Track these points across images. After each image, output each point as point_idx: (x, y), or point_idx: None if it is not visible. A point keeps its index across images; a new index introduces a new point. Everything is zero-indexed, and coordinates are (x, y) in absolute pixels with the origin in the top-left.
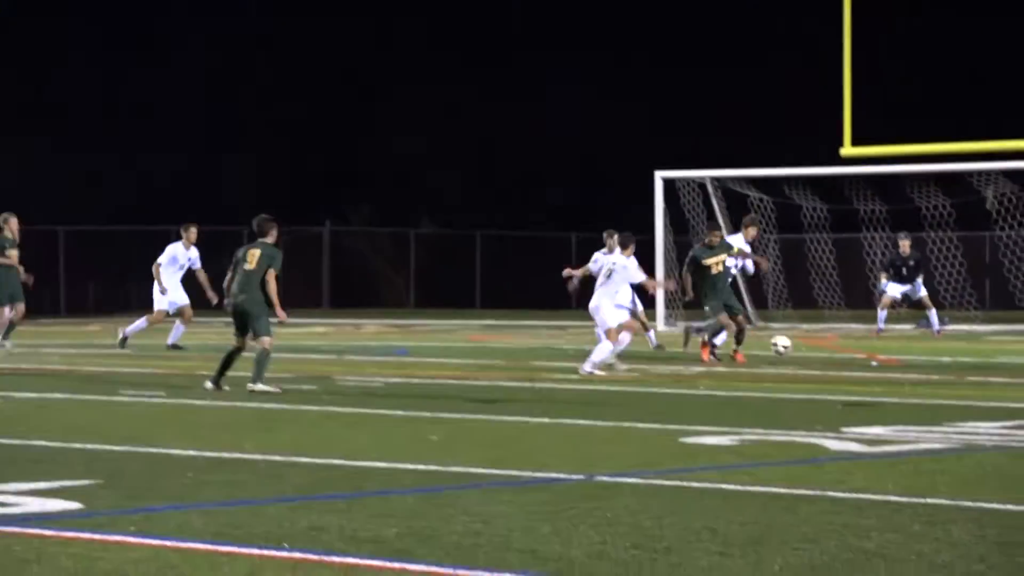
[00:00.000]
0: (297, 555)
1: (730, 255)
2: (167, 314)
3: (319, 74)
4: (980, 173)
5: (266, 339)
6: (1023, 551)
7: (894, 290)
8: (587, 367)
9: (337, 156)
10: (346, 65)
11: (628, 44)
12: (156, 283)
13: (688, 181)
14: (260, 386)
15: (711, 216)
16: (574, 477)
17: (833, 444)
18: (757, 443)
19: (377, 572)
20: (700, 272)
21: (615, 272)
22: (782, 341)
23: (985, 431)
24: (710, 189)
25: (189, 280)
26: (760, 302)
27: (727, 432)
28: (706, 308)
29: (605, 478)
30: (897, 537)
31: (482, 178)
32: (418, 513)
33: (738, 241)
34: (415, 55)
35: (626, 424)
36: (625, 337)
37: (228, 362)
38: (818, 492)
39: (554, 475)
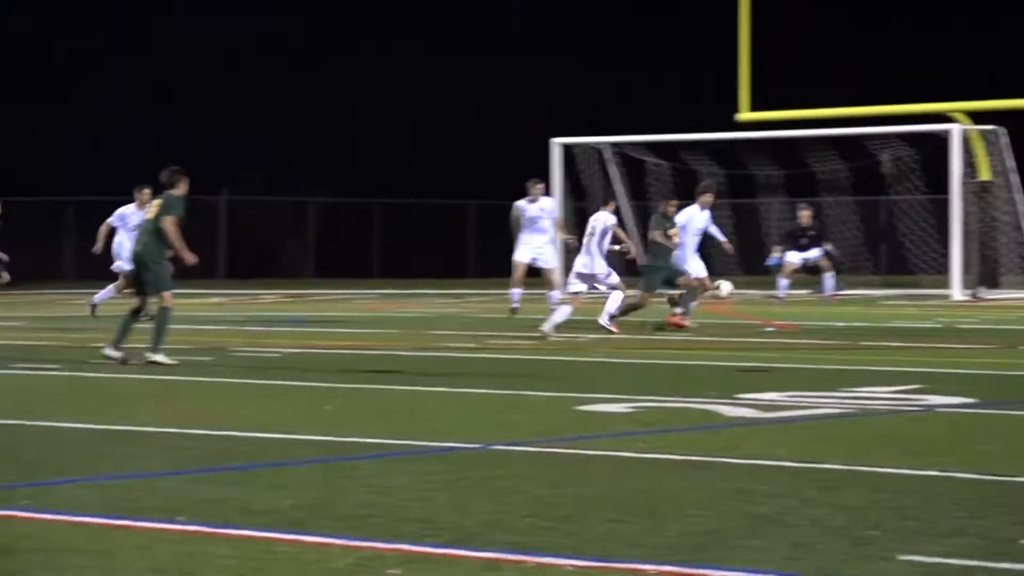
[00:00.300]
0: (192, 528)
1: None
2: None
3: (219, 38)
4: (877, 137)
5: (166, 294)
6: (916, 515)
7: (794, 258)
8: (604, 319)
9: (232, 124)
10: (249, 31)
11: (522, 9)
12: (97, 241)
13: (585, 148)
14: (160, 357)
15: (609, 183)
16: (470, 446)
17: (728, 410)
18: (653, 410)
19: (272, 544)
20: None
21: (609, 230)
22: (725, 286)
23: (880, 396)
24: (608, 155)
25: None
26: None
27: (623, 399)
28: (649, 276)
29: (501, 447)
30: (792, 502)
31: (379, 147)
32: (313, 484)
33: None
34: (309, 21)
35: (522, 392)
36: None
37: (127, 325)
38: (713, 458)
39: (450, 444)
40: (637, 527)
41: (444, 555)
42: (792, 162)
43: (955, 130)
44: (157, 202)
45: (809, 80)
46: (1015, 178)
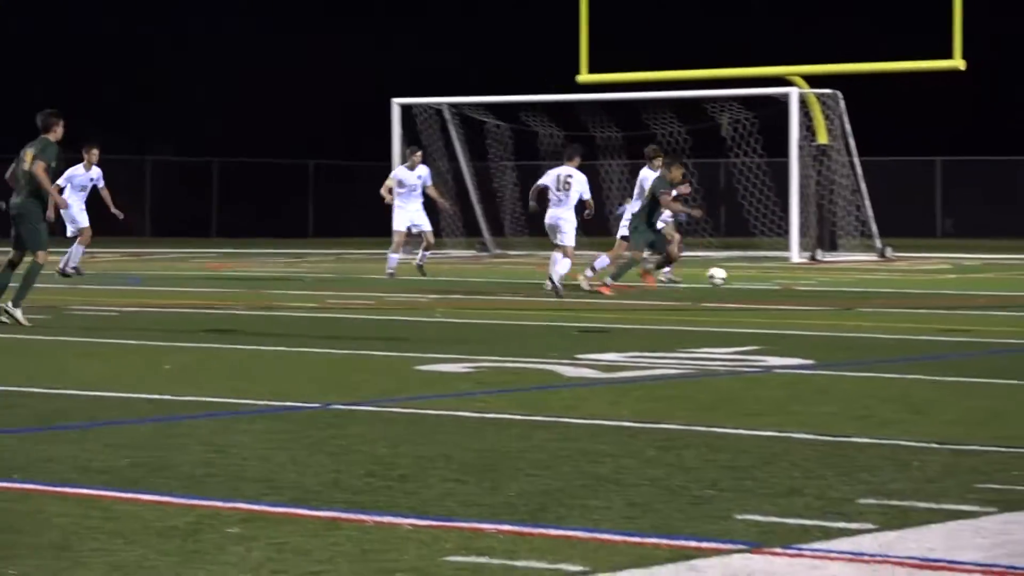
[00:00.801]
0: (29, 486)
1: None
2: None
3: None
4: (715, 100)
5: (40, 253)
6: (752, 474)
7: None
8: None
9: (67, 83)
10: None
11: None
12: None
13: (425, 108)
14: (19, 313)
15: (448, 143)
16: (310, 406)
17: (568, 371)
18: (492, 370)
19: (110, 502)
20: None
21: (572, 185)
22: (719, 273)
23: (719, 357)
24: (447, 116)
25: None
26: (497, 229)
27: (463, 359)
28: (636, 238)
29: (341, 406)
30: (631, 462)
31: (217, 106)
32: (152, 443)
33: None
34: None
35: (362, 352)
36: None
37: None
38: (553, 419)
39: (290, 404)
40: (476, 487)
41: (284, 514)
42: (632, 124)
43: (793, 94)
44: (31, 149)
45: (649, 43)
46: (852, 142)
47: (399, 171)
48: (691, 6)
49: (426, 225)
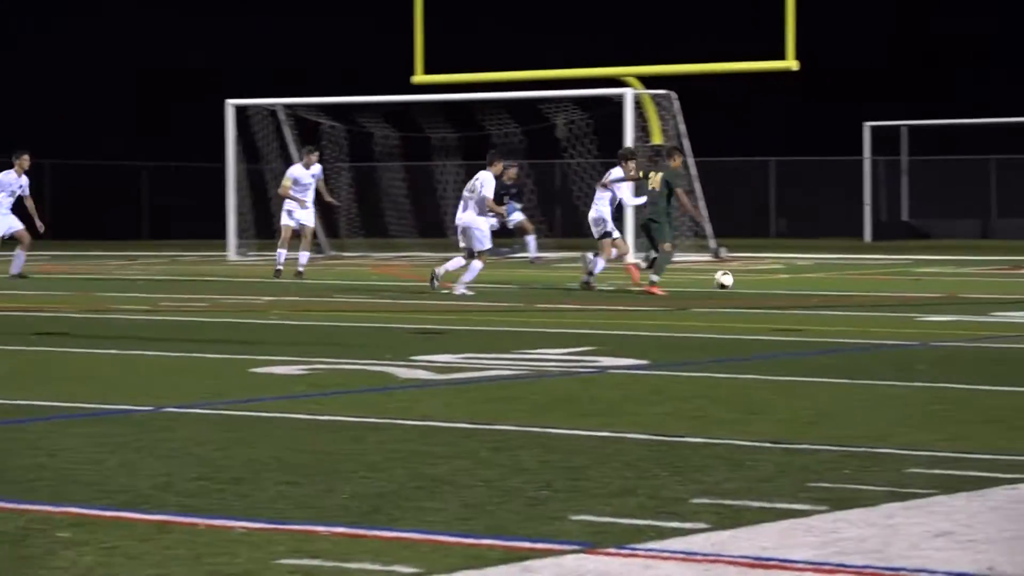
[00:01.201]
0: None
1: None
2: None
3: None
4: (550, 101)
5: None
6: (586, 474)
7: (518, 216)
8: (460, 288)
9: None
10: None
11: None
12: None
13: (259, 109)
14: None
15: (284, 144)
16: (142, 409)
17: (402, 372)
18: (326, 372)
19: None
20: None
21: (482, 187)
22: (726, 279)
23: (553, 358)
24: (281, 117)
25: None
26: (332, 231)
27: (297, 361)
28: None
29: (173, 409)
30: (466, 463)
31: (47, 106)
32: None
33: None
34: None
35: (195, 355)
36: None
37: None
38: (387, 420)
39: (121, 407)
40: (309, 489)
41: (115, 517)
42: (467, 125)
43: (628, 95)
44: None
45: (484, 44)
46: (687, 143)
47: (295, 169)
48: (524, 7)
49: (310, 224)
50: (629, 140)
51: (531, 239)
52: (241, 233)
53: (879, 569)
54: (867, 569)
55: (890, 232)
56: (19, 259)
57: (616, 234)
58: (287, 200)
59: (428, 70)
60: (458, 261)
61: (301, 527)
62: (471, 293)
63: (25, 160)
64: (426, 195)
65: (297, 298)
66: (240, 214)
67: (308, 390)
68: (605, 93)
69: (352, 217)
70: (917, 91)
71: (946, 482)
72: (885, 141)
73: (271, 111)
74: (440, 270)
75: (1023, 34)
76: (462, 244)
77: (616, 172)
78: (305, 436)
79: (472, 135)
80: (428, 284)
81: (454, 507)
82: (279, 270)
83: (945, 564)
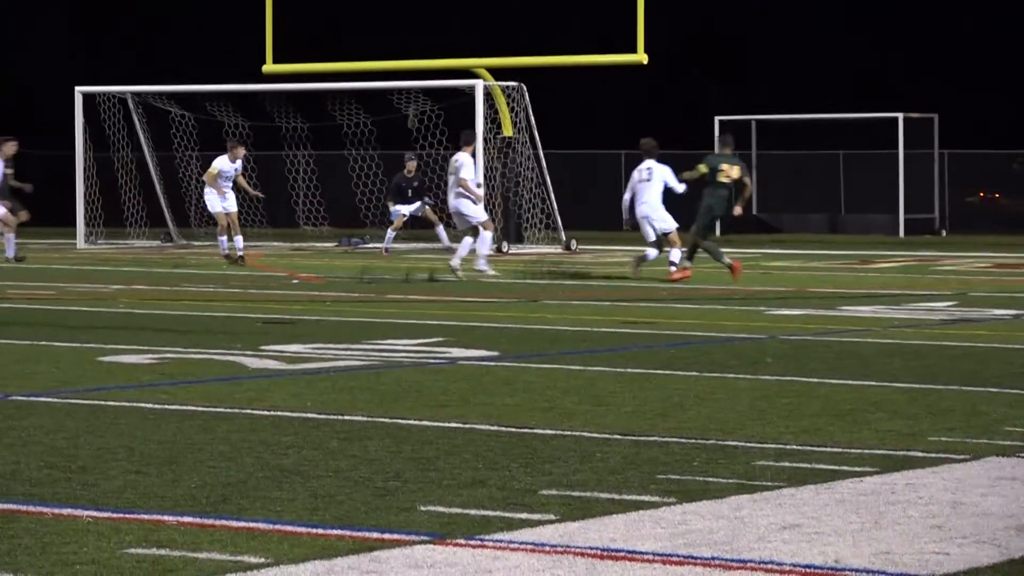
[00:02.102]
0: None
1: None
2: None
3: None
4: (401, 91)
5: None
6: (436, 465)
7: (404, 209)
8: (482, 264)
9: None
10: None
11: None
12: None
13: (109, 97)
14: None
15: (132, 132)
16: None
17: (252, 362)
18: (176, 361)
19: None
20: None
21: (460, 168)
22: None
23: (403, 348)
24: (131, 105)
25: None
26: (182, 220)
27: (146, 350)
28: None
29: (20, 398)
30: (315, 454)
31: None
32: None
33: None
34: None
35: (42, 343)
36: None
37: None
38: (236, 410)
39: None
40: (157, 478)
41: None
42: (319, 115)
43: (478, 86)
44: None
45: (335, 33)
46: (537, 134)
47: (221, 161)
48: None
49: (235, 210)
50: (480, 132)
51: (442, 229)
52: (89, 221)
53: (727, 561)
54: (715, 561)
55: (740, 226)
56: (10, 242)
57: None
58: (211, 189)
59: (278, 59)
60: (467, 244)
61: (149, 516)
62: (492, 271)
63: (11, 146)
64: (277, 184)
65: (145, 287)
66: (88, 202)
67: (157, 379)
68: (456, 84)
69: (200, 206)
70: (766, 85)
71: (794, 475)
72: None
73: (121, 99)
74: (455, 262)
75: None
76: (460, 228)
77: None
78: (153, 425)
79: (323, 125)
80: (452, 277)
81: (303, 497)
82: (228, 255)
83: (792, 556)
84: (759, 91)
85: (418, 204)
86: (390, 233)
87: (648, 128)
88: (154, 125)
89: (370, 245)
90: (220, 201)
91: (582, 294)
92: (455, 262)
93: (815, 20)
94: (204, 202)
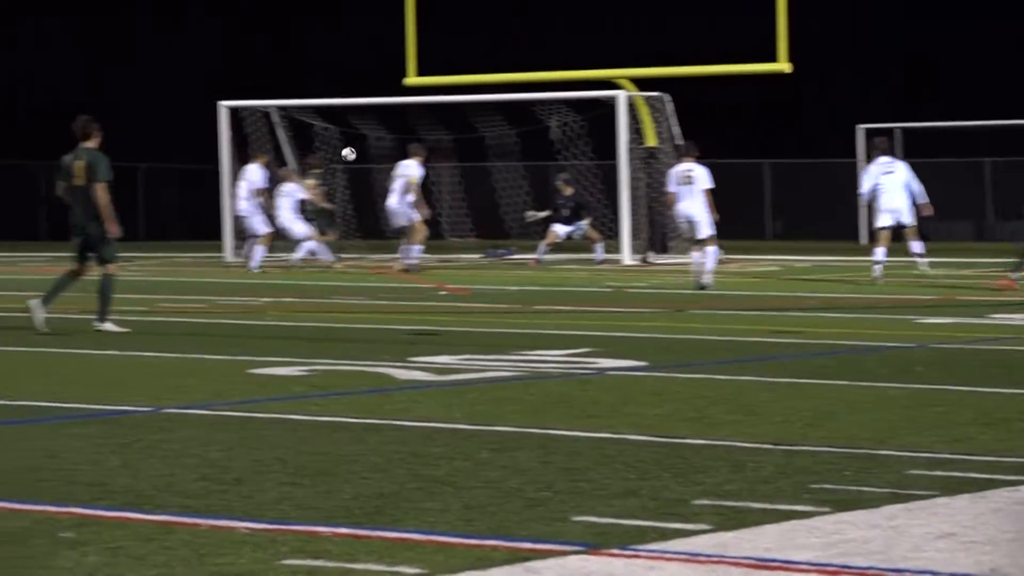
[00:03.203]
0: None
1: None
2: None
3: None
4: (544, 103)
5: (112, 266)
6: (587, 475)
7: (560, 230)
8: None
9: None
10: None
11: None
12: None
13: (253, 111)
14: (108, 325)
15: (277, 146)
16: (142, 409)
17: (401, 373)
18: (326, 373)
19: None
20: None
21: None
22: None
23: (551, 359)
24: (275, 119)
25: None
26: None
27: (296, 363)
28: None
29: (173, 410)
30: (466, 464)
31: (39, 107)
32: None
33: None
34: None
35: (194, 356)
36: None
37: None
38: (386, 421)
39: (122, 408)
40: (311, 490)
41: (117, 518)
42: (461, 127)
43: (621, 97)
44: (81, 163)
45: (477, 45)
46: (681, 144)
47: (414, 168)
48: (520, 8)
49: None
50: (623, 142)
51: (599, 246)
52: (236, 234)
53: (883, 570)
54: (871, 570)
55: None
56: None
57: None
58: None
59: (421, 72)
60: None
61: (304, 528)
62: None
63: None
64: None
65: (295, 299)
66: (235, 216)
67: (308, 391)
68: (599, 95)
69: (348, 218)
70: (909, 93)
71: (947, 484)
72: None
73: (264, 112)
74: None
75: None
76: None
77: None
78: (305, 437)
79: (465, 137)
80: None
81: (456, 508)
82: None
83: (948, 565)
84: (903, 98)
85: (575, 226)
86: (543, 245)
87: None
88: (298, 139)
89: (516, 256)
90: (411, 212)
91: (729, 304)
92: (707, 279)
93: (961, 25)
94: (394, 211)
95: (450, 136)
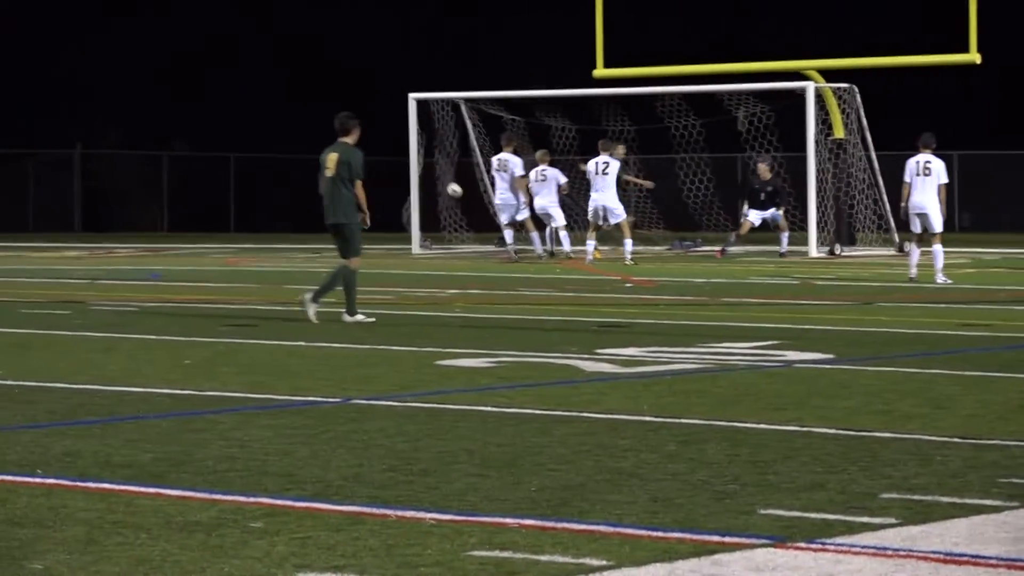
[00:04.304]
0: (51, 481)
1: None
2: None
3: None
4: (731, 94)
5: (355, 260)
6: (774, 468)
7: (755, 216)
8: None
9: (82, 76)
10: None
11: None
12: None
13: (441, 103)
14: (359, 317)
15: (464, 137)
16: (330, 400)
17: (588, 366)
18: (512, 365)
19: (132, 497)
20: None
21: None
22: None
23: (738, 351)
24: (464, 111)
25: None
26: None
27: (483, 354)
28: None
29: (361, 401)
30: (652, 457)
31: (233, 100)
32: (173, 438)
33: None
34: None
35: (382, 347)
36: None
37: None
38: (573, 413)
39: (311, 398)
40: (498, 481)
41: (306, 508)
42: (647, 118)
43: (810, 88)
44: (335, 155)
45: (664, 37)
46: (868, 136)
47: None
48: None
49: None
50: (811, 134)
51: (785, 236)
52: (424, 227)
53: None
54: None
55: None
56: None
57: None
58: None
59: (608, 64)
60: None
61: (490, 519)
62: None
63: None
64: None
65: (480, 290)
66: (422, 208)
67: (494, 383)
68: (786, 87)
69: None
70: None
71: None
72: None
73: (453, 104)
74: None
75: None
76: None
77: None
78: (492, 429)
79: (651, 128)
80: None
81: (642, 500)
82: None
83: None
84: None
85: (772, 211)
86: (732, 236)
87: (981, 128)
88: (485, 130)
89: (703, 248)
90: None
91: (917, 297)
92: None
93: None
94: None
95: (634, 127)
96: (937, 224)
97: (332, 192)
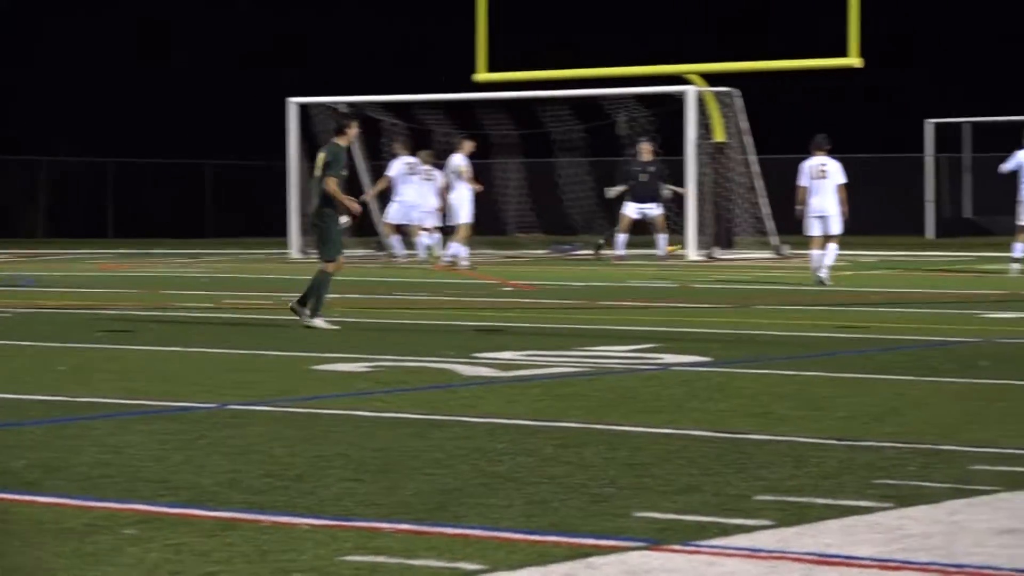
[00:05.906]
0: None
1: None
2: None
3: None
4: (612, 98)
5: (331, 264)
6: (650, 471)
7: (633, 210)
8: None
9: None
10: None
11: None
12: None
13: (322, 107)
14: (319, 321)
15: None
16: (206, 406)
17: (466, 369)
18: (390, 370)
19: (5, 505)
20: None
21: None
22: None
23: (615, 355)
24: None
25: None
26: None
27: (360, 359)
28: None
29: (237, 406)
30: (530, 460)
31: (113, 106)
32: (46, 444)
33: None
34: None
35: (258, 352)
36: None
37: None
38: (450, 417)
39: (186, 404)
40: (374, 486)
41: (180, 515)
42: (528, 122)
43: (690, 92)
44: (321, 154)
45: (545, 41)
46: (749, 140)
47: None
48: (588, 4)
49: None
50: (691, 137)
51: (662, 237)
52: (303, 231)
53: (944, 566)
54: (932, 566)
55: (953, 229)
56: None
57: None
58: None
59: (491, 68)
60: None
61: (366, 524)
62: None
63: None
64: (486, 192)
65: (358, 295)
66: (302, 213)
67: (371, 387)
68: (667, 91)
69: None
70: (979, 87)
71: (1011, 479)
72: (946, 138)
73: (333, 108)
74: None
75: None
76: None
77: None
78: (368, 433)
79: (533, 132)
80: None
81: (518, 504)
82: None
83: (1011, 561)
84: (972, 92)
85: (651, 205)
86: (620, 236)
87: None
88: (366, 134)
89: (580, 252)
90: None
91: (794, 300)
92: (824, 273)
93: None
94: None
95: (517, 131)
96: (836, 227)
97: (314, 193)
